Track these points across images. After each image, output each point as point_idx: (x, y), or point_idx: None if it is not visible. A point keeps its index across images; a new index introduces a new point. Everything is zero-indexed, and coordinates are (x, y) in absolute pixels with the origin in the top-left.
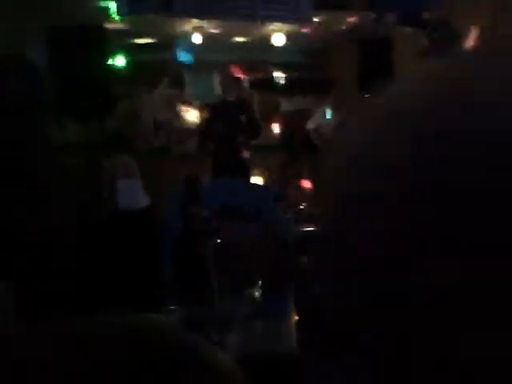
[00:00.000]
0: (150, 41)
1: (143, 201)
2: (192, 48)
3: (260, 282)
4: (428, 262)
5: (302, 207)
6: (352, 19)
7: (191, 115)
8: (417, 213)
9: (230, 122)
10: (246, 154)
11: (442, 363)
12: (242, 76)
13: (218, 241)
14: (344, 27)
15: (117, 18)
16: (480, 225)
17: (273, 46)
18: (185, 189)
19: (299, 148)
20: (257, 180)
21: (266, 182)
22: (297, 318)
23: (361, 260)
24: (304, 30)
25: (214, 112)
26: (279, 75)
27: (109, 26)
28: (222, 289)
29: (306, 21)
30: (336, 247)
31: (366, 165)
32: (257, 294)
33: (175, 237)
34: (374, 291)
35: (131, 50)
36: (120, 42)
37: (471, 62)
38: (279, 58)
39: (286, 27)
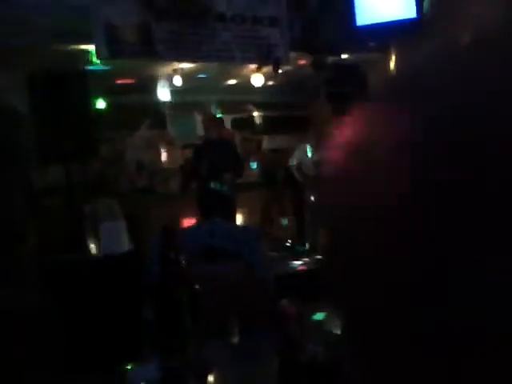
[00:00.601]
0: (130, 83)
1: (126, 244)
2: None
3: (238, 325)
4: None
5: (287, 244)
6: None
7: (173, 155)
8: None
9: (214, 160)
10: (231, 193)
11: None
12: (222, 116)
13: (197, 286)
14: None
15: (97, 61)
16: None
17: (252, 86)
18: (161, 238)
19: (281, 185)
20: (239, 217)
21: (248, 219)
22: (276, 360)
23: None
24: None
25: (199, 152)
26: (259, 114)
27: (89, 69)
28: (200, 334)
29: (283, 62)
30: None
31: None
32: (235, 337)
33: (154, 283)
34: None
35: (112, 93)
36: (100, 85)
37: None
38: (259, 97)
39: (265, 68)
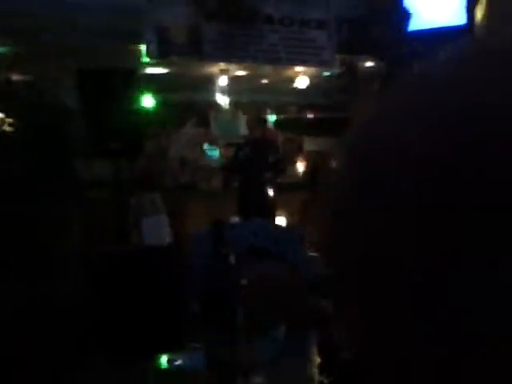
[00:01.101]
0: (177, 82)
1: (167, 238)
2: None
3: (284, 323)
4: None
5: None
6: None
7: (216, 153)
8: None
9: (256, 160)
10: (271, 193)
11: None
12: (262, 115)
13: (244, 282)
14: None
15: (147, 60)
16: None
17: (297, 87)
18: (212, 230)
19: (322, 187)
20: (280, 219)
21: (289, 220)
22: (319, 359)
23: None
24: (327, 73)
25: (239, 151)
26: (303, 116)
27: (139, 68)
28: (247, 329)
29: (329, 65)
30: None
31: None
32: (281, 334)
33: (202, 277)
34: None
35: (159, 91)
36: (148, 83)
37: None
38: (303, 99)
39: (310, 69)
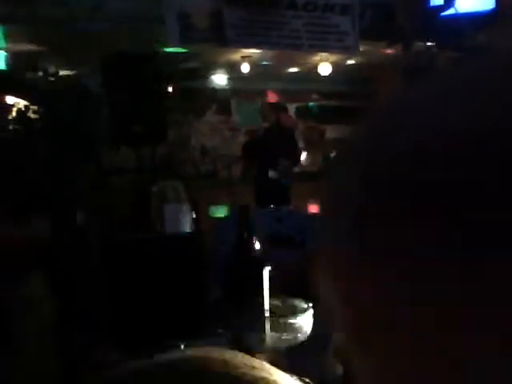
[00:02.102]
0: (199, 68)
1: (189, 226)
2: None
3: (309, 307)
4: None
5: None
6: (393, 50)
7: (237, 141)
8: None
9: (270, 147)
10: (287, 181)
11: None
12: (279, 102)
13: (269, 268)
14: (388, 57)
15: (169, 46)
16: None
17: (319, 75)
18: (238, 217)
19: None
20: (301, 207)
21: (309, 208)
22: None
23: None
24: (350, 61)
25: (254, 138)
26: (324, 103)
27: (161, 54)
28: (271, 315)
29: (353, 51)
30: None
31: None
32: (306, 320)
33: (228, 263)
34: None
35: (182, 78)
36: (171, 69)
37: None
38: (325, 86)
39: (333, 57)
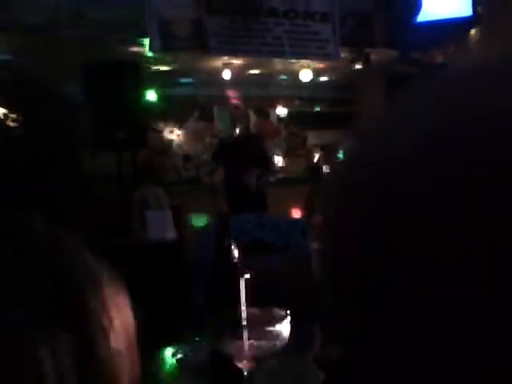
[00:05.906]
0: (180, 75)
1: (171, 232)
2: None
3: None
4: None
5: None
6: (375, 56)
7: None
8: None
9: (238, 154)
10: (259, 188)
11: None
12: (241, 107)
13: (248, 275)
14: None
15: (150, 53)
16: None
17: (301, 81)
18: (218, 224)
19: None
20: (283, 212)
21: (292, 214)
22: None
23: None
24: (331, 66)
25: (222, 146)
26: (306, 109)
27: (142, 61)
28: (250, 323)
29: (334, 58)
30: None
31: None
32: (284, 327)
33: (208, 271)
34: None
35: (162, 85)
36: (152, 76)
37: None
38: (307, 93)
39: (314, 63)
